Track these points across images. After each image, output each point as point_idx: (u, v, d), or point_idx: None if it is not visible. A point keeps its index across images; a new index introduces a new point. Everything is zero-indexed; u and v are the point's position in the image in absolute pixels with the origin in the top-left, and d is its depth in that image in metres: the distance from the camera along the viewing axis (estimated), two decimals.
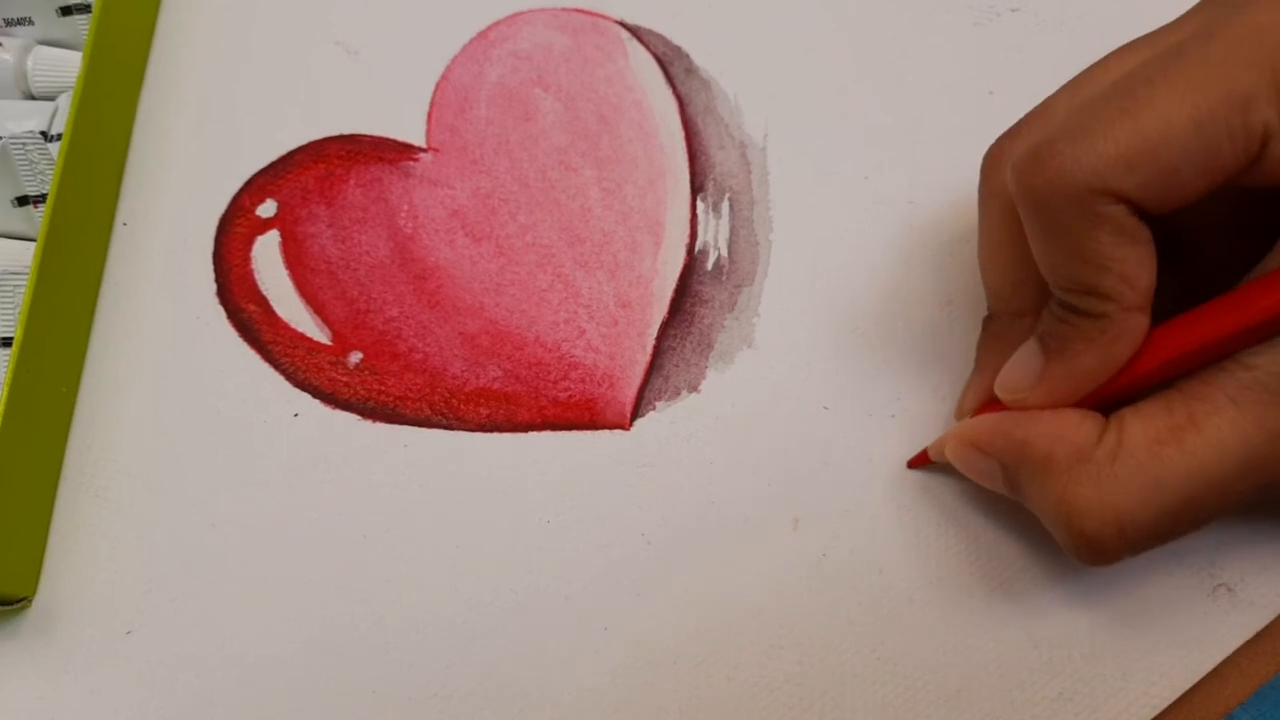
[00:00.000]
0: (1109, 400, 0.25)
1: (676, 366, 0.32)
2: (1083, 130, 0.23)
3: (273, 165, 0.35)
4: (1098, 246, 0.23)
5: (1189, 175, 0.22)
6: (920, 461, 0.30)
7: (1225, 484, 0.23)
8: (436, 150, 0.35)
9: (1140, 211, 0.23)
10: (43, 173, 0.33)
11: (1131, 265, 0.23)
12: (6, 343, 0.32)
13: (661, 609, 0.29)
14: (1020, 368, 0.26)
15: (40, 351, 0.30)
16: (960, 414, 0.29)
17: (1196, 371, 0.24)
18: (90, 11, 0.35)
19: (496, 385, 0.32)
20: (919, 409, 0.31)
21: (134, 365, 0.32)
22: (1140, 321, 0.24)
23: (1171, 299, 0.25)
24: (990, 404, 0.27)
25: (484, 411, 0.31)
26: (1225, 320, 0.24)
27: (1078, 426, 0.25)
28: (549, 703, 0.28)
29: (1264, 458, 0.23)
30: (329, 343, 0.32)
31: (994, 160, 0.27)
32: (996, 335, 0.28)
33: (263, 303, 0.33)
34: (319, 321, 0.33)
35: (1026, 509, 0.26)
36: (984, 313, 0.30)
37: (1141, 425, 0.24)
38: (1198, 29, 0.23)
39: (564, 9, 0.37)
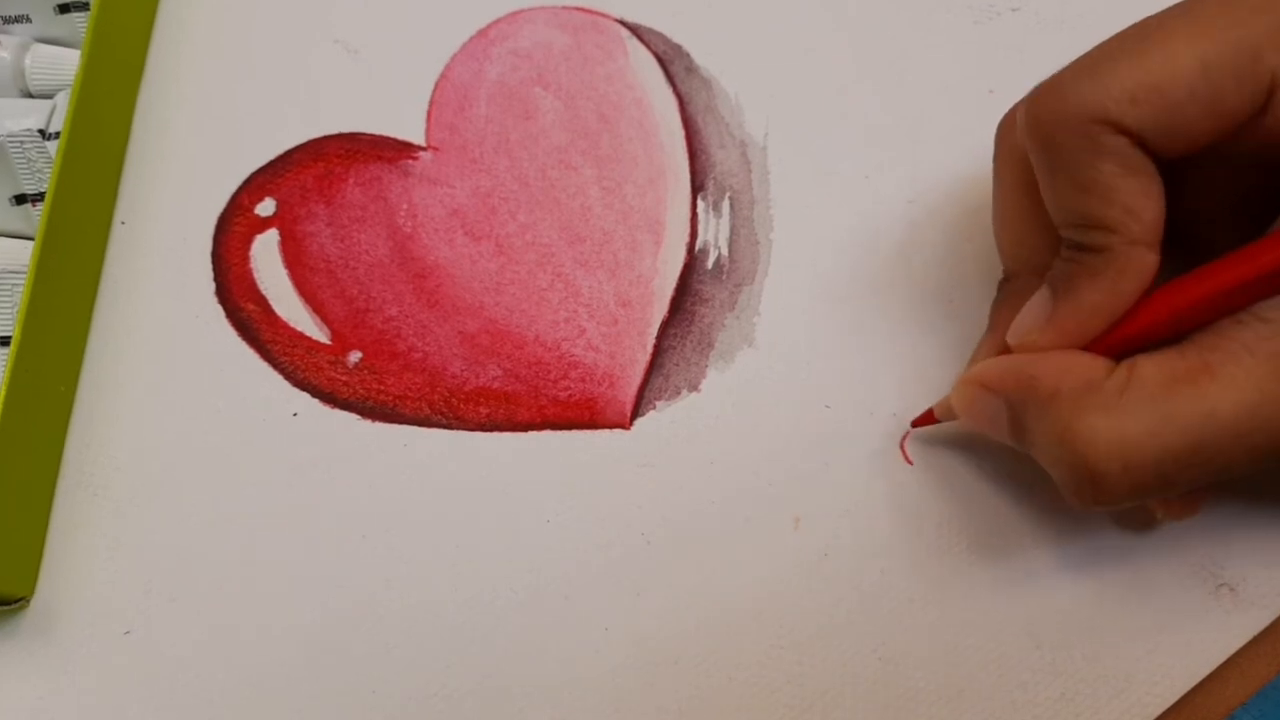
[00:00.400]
0: (1119, 349, 0.25)
1: (677, 366, 0.32)
2: (1091, 67, 0.23)
3: (271, 164, 0.35)
4: (1100, 176, 0.23)
5: (1194, 115, 0.22)
6: (925, 421, 0.30)
7: (1237, 431, 0.22)
8: (436, 149, 0.35)
9: (1145, 148, 0.23)
10: (41, 171, 0.33)
11: (1136, 197, 0.23)
12: (5, 342, 0.31)
13: (662, 609, 0.29)
14: (1031, 313, 0.26)
15: (39, 350, 0.30)
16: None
17: (1210, 324, 0.24)
18: (88, 9, 0.35)
19: (496, 384, 0.32)
20: (919, 409, 0.30)
21: (133, 364, 0.32)
22: (1146, 257, 0.24)
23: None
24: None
25: (484, 411, 0.31)
26: (1238, 270, 0.23)
27: (1088, 363, 0.24)
28: (549, 703, 0.28)
29: (1278, 410, 0.22)
30: (328, 342, 0.32)
31: (1008, 125, 0.28)
32: (1011, 294, 0.28)
33: (261, 302, 0.33)
34: (318, 320, 0.33)
35: (1030, 509, 0.26)
36: (984, 313, 0.30)
37: (1154, 365, 0.23)
38: None
39: (564, 7, 0.37)
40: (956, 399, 0.27)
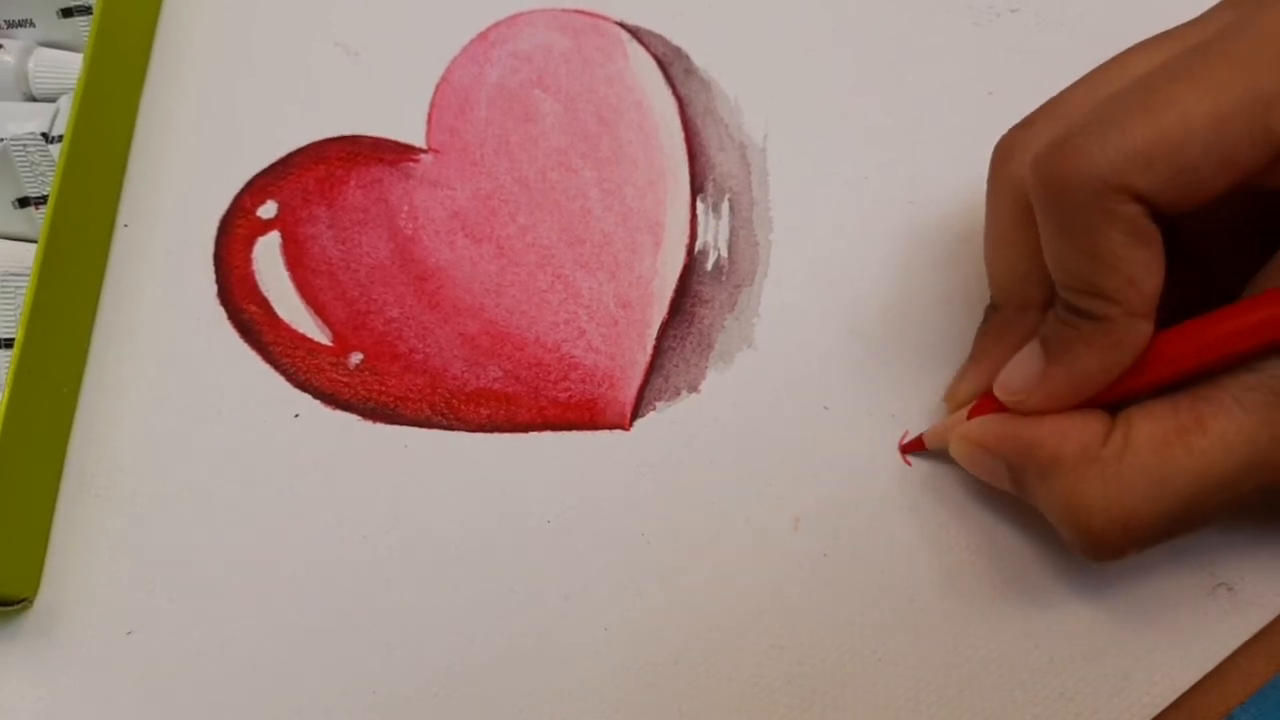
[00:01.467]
0: (1111, 404, 0.25)
1: (676, 367, 0.32)
2: (1103, 125, 0.23)
3: (273, 166, 0.35)
4: (1109, 245, 0.23)
5: (1207, 173, 0.22)
6: (913, 447, 0.30)
7: (1229, 484, 0.23)
8: (437, 151, 0.35)
9: (1155, 213, 0.23)
10: (44, 174, 0.33)
11: (1140, 268, 0.23)
12: (8, 344, 0.32)
13: (661, 609, 0.29)
14: (1021, 370, 0.26)
15: (41, 353, 0.30)
16: (951, 399, 0.29)
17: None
18: (91, 13, 0.35)
19: (497, 386, 0.32)
20: (919, 409, 0.31)
21: (135, 366, 0.32)
22: (1143, 329, 0.24)
23: (1172, 308, 0.25)
24: (985, 397, 0.27)
25: (484, 412, 0.31)
26: (1230, 334, 0.23)
27: (1085, 426, 0.25)
28: (549, 703, 0.28)
29: (1268, 459, 0.23)
30: (329, 343, 0.32)
31: (1004, 151, 0.27)
32: (998, 326, 0.28)
33: (263, 304, 0.33)
34: (319, 322, 0.33)
35: (1028, 509, 0.26)
36: (984, 312, 0.30)
37: (1148, 426, 0.24)
38: (1222, 27, 0.23)
39: (564, 10, 0.38)
40: (956, 453, 0.28)
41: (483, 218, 0.34)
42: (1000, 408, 0.27)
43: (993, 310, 0.29)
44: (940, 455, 0.30)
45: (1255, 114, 0.22)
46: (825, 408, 0.31)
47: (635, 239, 0.34)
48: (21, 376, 0.29)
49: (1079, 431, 0.25)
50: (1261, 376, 0.23)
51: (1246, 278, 0.25)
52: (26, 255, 0.33)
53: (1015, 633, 0.28)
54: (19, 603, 0.29)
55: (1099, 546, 0.24)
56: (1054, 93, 0.27)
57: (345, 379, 0.32)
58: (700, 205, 0.34)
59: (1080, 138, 0.23)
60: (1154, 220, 0.23)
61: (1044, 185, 0.23)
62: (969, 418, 0.28)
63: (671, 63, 0.36)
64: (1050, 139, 0.24)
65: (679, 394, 0.31)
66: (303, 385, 0.32)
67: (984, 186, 0.29)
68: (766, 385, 0.31)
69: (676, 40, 0.37)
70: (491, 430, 0.31)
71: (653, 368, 0.32)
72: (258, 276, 0.34)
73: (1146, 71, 0.23)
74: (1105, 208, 0.23)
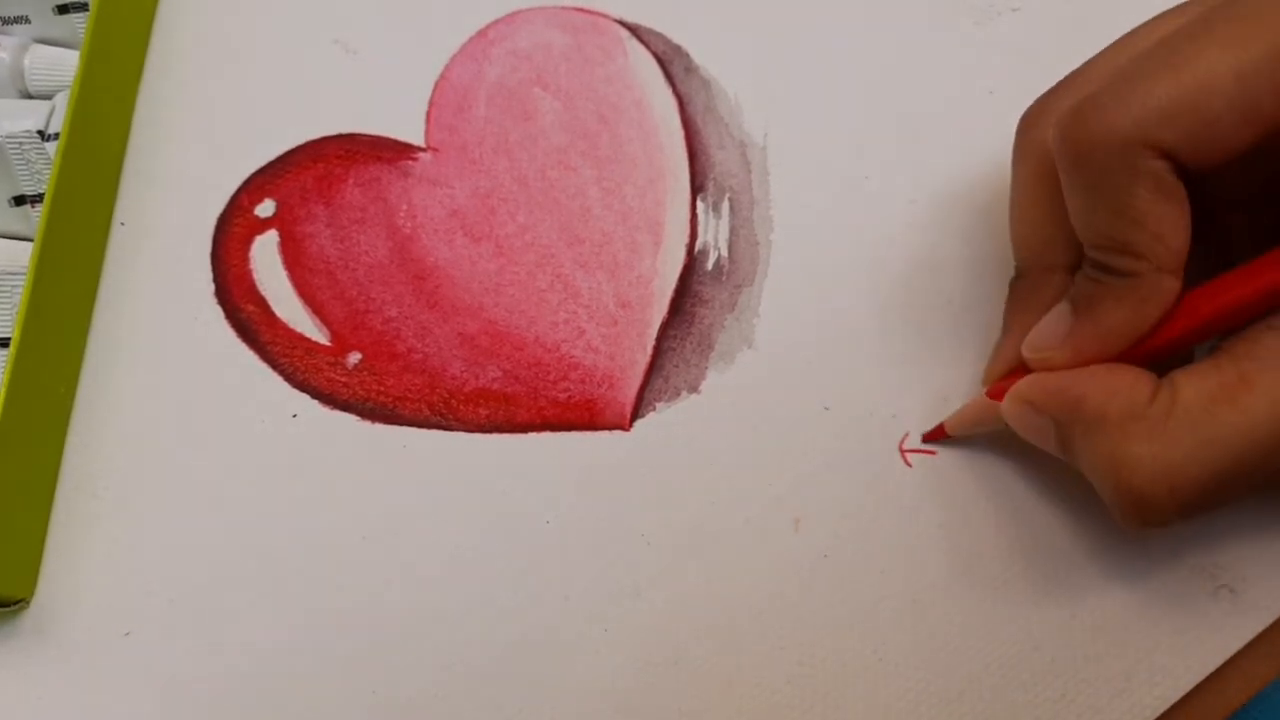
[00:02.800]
0: (1140, 362, 0.25)
1: (676, 367, 0.32)
2: (1127, 85, 0.23)
3: (271, 165, 0.35)
4: (1135, 201, 0.23)
5: (1231, 127, 0.22)
6: (935, 436, 0.30)
7: (1277, 442, 0.23)
8: (435, 150, 0.35)
9: (1180, 170, 0.23)
10: (40, 172, 0.33)
11: (1167, 224, 0.23)
12: (4, 343, 0.31)
13: (661, 610, 0.29)
14: (1049, 327, 0.26)
15: (38, 352, 0.30)
16: (988, 378, 0.29)
17: (1239, 331, 0.24)
18: (87, 10, 0.35)
19: (496, 386, 0.32)
20: (919, 409, 0.30)
21: (132, 365, 0.32)
22: (1171, 284, 0.24)
23: (1194, 279, 0.25)
24: (1018, 368, 0.27)
25: (483, 412, 0.31)
26: (1261, 280, 0.23)
27: (1132, 385, 0.24)
28: (549, 703, 0.28)
29: None
30: (328, 343, 0.32)
31: (1030, 120, 0.27)
32: (1025, 293, 0.28)
33: (261, 303, 0.33)
34: (317, 322, 0.33)
35: (1028, 508, 0.26)
36: (984, 312, 0.30)
37: (1194, 384, 0.24)
38: None
39: (563, 7, 0.37)
40: (1006, 411, 0.27)
41: (482, 217, 0.34)
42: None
43: (1017, 279, 0.29)
44: (941, 457, 0.30)
45: (1276, 67, 0.22)
46: (825, 408, 0.31)
47: (635, 238, 0.33)
48: (18, 376, 0.29)
49: (1127, 389, 0.24)
50: None
51: (1268, 248, 0.24)
52: (23, 254, 0.33)
53: (1016, 634, 0.28)
54: (16, 603, 0.29)
55: (1142, 507, 0.24)
56: (1094, 55, 0.27)
57: (343, 379, 0.32)
58: (700, 204, 0.34)
59: (1103, 96, 0.23)
60: (1179, 178, 0.23)
61: (1069, 145, 0.24)
62: (992, 396, 0.28)
63: (671, 61, 0.36)
64: (1073, 101, 0.24)
65: (679, 394, 0.31)
66: (301, 385, 0.32)
67: (985, 186, 0.29)
68: (766, 385, 0.31)
69: (676, 38, 0.37)
70: (491, 430, 0.31)
71: (653, 368, 0.32)
72: (255, 275, 0.33)
73: (1169, 33, 0.24)
74: (1131, 164, 0.23)
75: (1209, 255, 0.26)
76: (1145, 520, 0.24)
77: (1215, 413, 0.23)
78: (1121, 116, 0.23)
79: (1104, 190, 0.24)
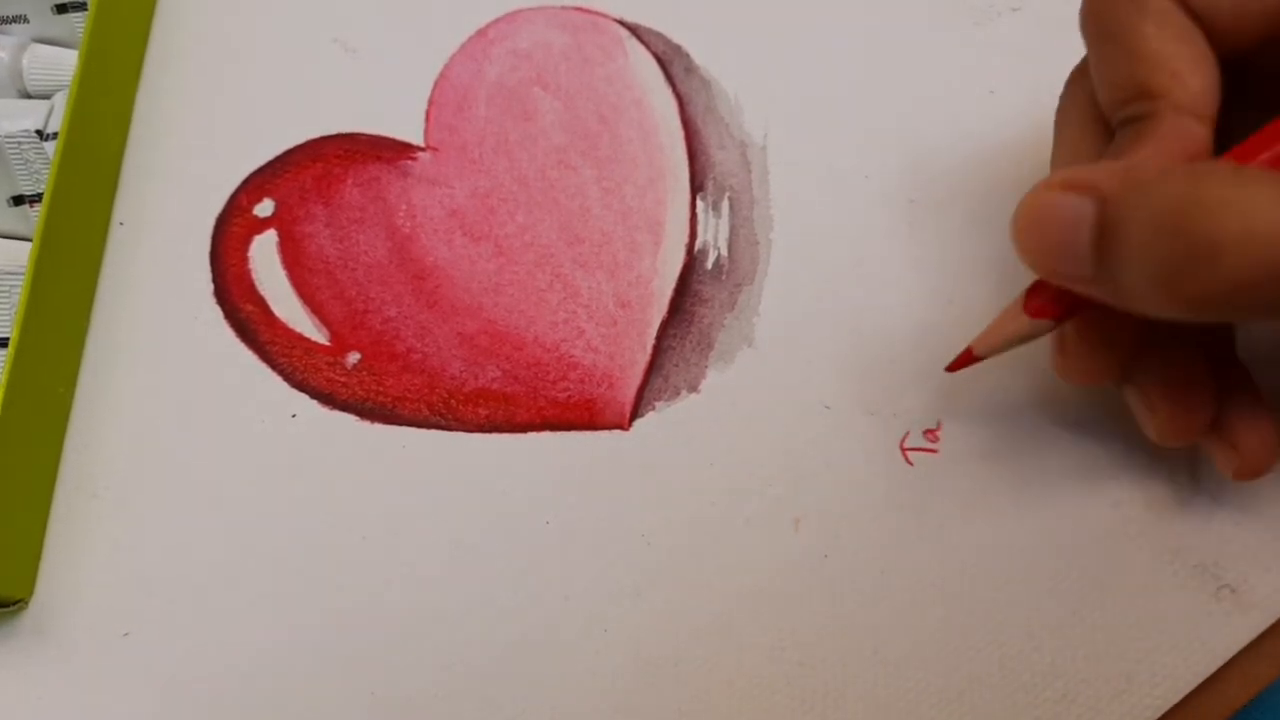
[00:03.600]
0: None
1: (676, 366, 0.32)
2: None
3: (270, 164, 0.35)
4: (1145, 41, 0.23)
5: None
6: (962, 362, 0.28)
7: None
8: (435, 149, 0.35)
9: (1192, 16, 0.23)
10: (38, 172, 0.33)
11: (1182, 63, 0.23)
12: (3, 343, 0.31)
13: (662, 610, 0.28)
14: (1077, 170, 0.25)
15: (37, 352, 0.30)
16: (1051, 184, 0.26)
17: None
18: (86, 9, 0.35)
19: (495, 385, 0.32)
20: (919, 409, 0.30)
21: (131, 365, 0.32)
22: (1194, 128, 0.23)
23: None
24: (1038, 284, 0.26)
25: (482, 412, 0.31)
26: None
27: (1195, 151, 0.23)
28: (549, 704, 0.28)
29: None
30: (327, 343, 0.32)
31: (1079, 73, 0.28)
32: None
33: (260, 303, 0.33)
34: (317, 321, 0.33)
35: (1029, 508, 0.26)
36: (984, 313, 0.29)
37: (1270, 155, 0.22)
38: None
39: (563, 7, 0.37)
40: (1026, 211, 0.23)
41: (481, 216, 0.34)
42: (1053, 308, 0.25)
43: None
44: (941, 457, 0.30)
45: None
46: (825, 408, 0.31)
47: (635, 238, 0.33)
48: (17, 376, 0.29)
49: (1189, 148, 0.23)
50: None
51: None
52: (21, 253, 0.33)
53: (1017, 634, 0.28)
54: (14, 604, 0.29)
55: (1212, 257, 0.20)
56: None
57: (343, 379, 0.32)
58: (700, 204, 0.34)
59: None
60: (1193, 21, 0.23)
61: (1088, 6, 0.25)
62: (1026, 310, 0.25)
63: (671, 60, 0.36)
64: None
65: (679, 394, 0.31)
66: (300, 385, 0.32)
67: (986, 186, 0.29)
68: (766, 385, 0.31)
69: (676, 38, 0.37)
70: (490, 430, 0.31)
71: (652, 367, 0.32)
72: (254, 275, 0.33)
73: None
74: (1139, 4, 0.23)
75: None
76: (1207, 279, 0.20)
77: None
78: None
79: (1116, 37, 0.24)
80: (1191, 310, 0.21)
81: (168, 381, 0.32)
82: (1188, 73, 0.23)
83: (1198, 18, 0.23)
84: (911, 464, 0.30)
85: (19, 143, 0.33)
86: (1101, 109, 0.25)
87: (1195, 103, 0.23)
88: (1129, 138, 0.24)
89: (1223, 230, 0.19)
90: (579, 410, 0.31)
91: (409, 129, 0.36)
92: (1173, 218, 0.20)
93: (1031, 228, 0.23)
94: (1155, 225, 0.21)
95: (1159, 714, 0.27)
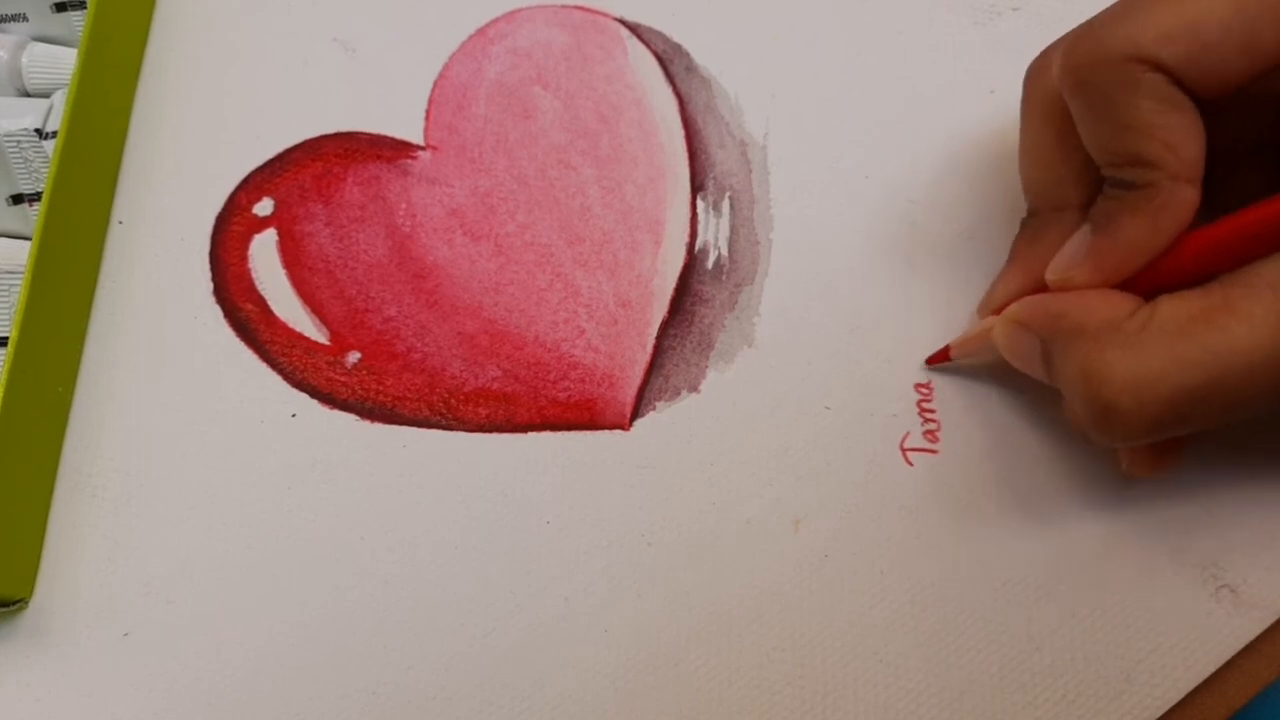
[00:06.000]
0: (1151, 289, 0.25)
1: (676, 366, 0.32)
2: (1126, 11, 0.24)
3: (270, 163, 0.35)
4: (1140, 113, 0.24)
5: (1229, 54, 0.23)
6: (939, 359, 0.30)
7: (1252, 368, 0.23)
8: (435, 148, 0.35)
9: (1182, 86, 0.24)
10: (38, 171, 0.33)
11: (1176, 133, 0.24)
12: (2, 342, 0.31)
13: (662, 611, 0.28)
14: (1070, 248, 0.26)
15: (36, 351, 0.30)
16: (985, 305, 0.30)
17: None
18: (85, 8, 0.35)
19: (495, 385, 0.31)
20: (919, 410, 0.30)
21: (130, 365, 0.32)
22: (1188, 193, 0.24)
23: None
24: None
25: (483, 412, 0.31)
26: (1267, 212, 0.24)
27: (1115, 302, 0.25)
28: (549, 704, 0.28)
29: None
30: (327, 342, 0.32)
31: (1037, 69, 0.28)
32: (1034, 229, 0.29)
33: (260, 302, 0.33)
34: (317, 321, 0.33)
35: (1029, 507, 0.26)
36: (1019, 225, 0.30)
37: (1176, 305, 0.24)
38: None
39: (563, 6, 0.37)
40: (998, 335, 0.28)
41: (481, 215, 0.34)
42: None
43: (1028, 219, 0.29)
44: (941, 458, 0.30)
45: (1276, 1, 0.22)
46: (825, 408, 0.31)
47: (635, 237, 0.33)
48: (16, 375, 0.29)
49: (1106, 305, 0.25)
50: None
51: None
52: (21, 252, 0.33)
53: (1017, 635, 0.28)
54: (14, 604, 0.29)
55: (1110, 417, 0.24)
56: None
57: (343, 378, 0.32)
58: (700, 203, 0.34)
59: (1103, 22, 0.24)
60: (1183, 93, 0.24)
61: (1073, 71, 0.25)
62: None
63: (671, 60, 0.36)
64: (1073, 33, 0.25)
65: (679, 394, 0.31)
66: (300, 384, 0.32)
67: (985, 185, 0.29)
68: (766, 385, 0.31)
69: (676, 37, 0.37)
70: (490, 430, 0.31)
71: (653, 367, 0.32)
72: (254, 274, 0.33)
73: None
74: (1131, 78, 0.24)
75: (1222, 200, 0.26)
76: (1111, 431, 0.24)
77: (1192, 331, 0.23)
78: (1119, 36, 0.24)
79: (1109, 106, 0.24)
80: (1118, 444, 0.26)
81: (167, 381, 0.32)
82: (1181, 144, 0.24)
83: (1188, 90, 0.24)
84: (911, 464, 0.30)
85: (18, 141, 0.33)
86: (1064, 103, 0.26)
87: (1189, 170, 0.24)
88: (1125, 205, 0.25)
89: (1116, 397, 0.23)
90: (579, 410, 0.31)
91: (409, 128, 0.35)
92: (1079, 384, 0.24)
93: (1005, 346, 0.28)
94: (1069, 384, 0.25)
95: (1159, 714, 0.27)
